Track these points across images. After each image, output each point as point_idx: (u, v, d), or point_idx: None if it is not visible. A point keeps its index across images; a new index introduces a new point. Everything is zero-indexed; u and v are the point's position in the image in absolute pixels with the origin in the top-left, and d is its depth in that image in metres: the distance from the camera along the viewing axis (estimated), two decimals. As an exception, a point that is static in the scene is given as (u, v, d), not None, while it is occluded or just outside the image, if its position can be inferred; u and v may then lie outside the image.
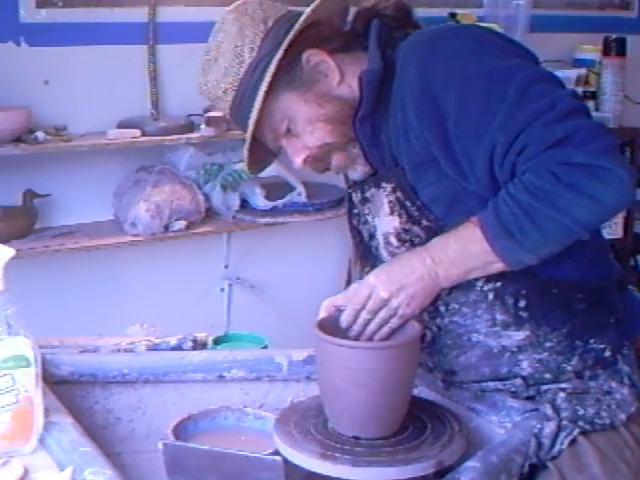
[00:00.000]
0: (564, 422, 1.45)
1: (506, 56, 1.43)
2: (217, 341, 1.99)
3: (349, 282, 3.12)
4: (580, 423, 1.46)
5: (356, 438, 1.43)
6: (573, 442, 1.45)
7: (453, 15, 3.54)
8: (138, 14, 3.05)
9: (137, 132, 2.97)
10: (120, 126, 3.01)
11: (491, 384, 1.54)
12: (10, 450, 1.38)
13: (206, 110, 3.04)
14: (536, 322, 1.49)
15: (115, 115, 3.03)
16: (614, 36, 3.79)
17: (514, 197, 1.36)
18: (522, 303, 1.48)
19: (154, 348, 1.80)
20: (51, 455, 1.38)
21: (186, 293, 3.25)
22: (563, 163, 1.33)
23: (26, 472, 1.31)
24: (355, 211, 1.64)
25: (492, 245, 1.39)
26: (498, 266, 1.42)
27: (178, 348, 1.80)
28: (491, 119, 1.37)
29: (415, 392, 1.54)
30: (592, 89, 3.79)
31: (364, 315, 1.47)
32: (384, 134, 1.53)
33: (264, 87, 1.49)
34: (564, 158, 1.33)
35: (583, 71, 3.81)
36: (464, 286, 1.48)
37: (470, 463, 1.34)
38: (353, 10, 1.61)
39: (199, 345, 1.83)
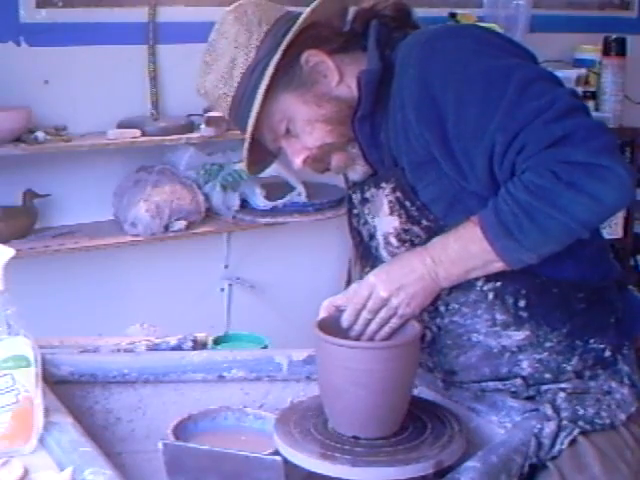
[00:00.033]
0: (564, 422, 1.45)
1: (505, 56, 1.43)
2: (217, 341, 1.99)
3: (349, 282, 3.12)
4: (580, 423, 1.46)
5: (356, 438, 1.43)
6: (573, 442, 1.45)
7: (453, 15, 3.54)
8: (138, 14, 3.05)
9: (137, 132, 2.97)
10: (120, 126, 3.01)
11: (491, 384, 1.54)
12: (10, 450, 1.38)
13: (206, 110, 3.04)
14: (536, 322, 1.49)
15: (115, 115, 3.03)
16: (614, 36, 3.78)
17: (514, 196, 1.36)
18: (522, 303, 1.48)
19: (154, 348, 1.80)
20: (51, 455, 1.38)
21: (186, 293, 3.25)
22: (563, 162, 1.33)
23: (26, 472, 1.31)
24: (355, 211, 1.64)
25: (492, 244, 1.39)
26: (498, 265, 1.42)
27: (178, 348, 1.80)
28: (490, 119, 1.37)
29: (415, 392, 1.54)
30: (592, 89, 3.79)
31: (365, 315, 1.47)
32: (383, 134, 1.53)
33: (263, 88, 1.49)
34: (564, 157, 1.33)
35: (583, 71, 3.81)
36: (464, 286, 1.48)
37: (470, 463, 1.34)
38: (352, 11, 1.61)
39: (199, 345, 1.83)
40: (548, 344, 1.50)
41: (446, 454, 1.39)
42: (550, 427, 1.44)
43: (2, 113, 2.72)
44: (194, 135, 3.07)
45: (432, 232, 1.48)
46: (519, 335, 1.50)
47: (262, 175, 1.76)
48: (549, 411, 1.46)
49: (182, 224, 3.03)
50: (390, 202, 1.53)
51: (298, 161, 1.57)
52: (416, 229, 1.51)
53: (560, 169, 1.33)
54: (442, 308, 1.52)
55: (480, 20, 3.53)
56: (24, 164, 2.89)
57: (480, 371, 1.54)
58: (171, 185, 3.02)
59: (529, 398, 1.52)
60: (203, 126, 3.06)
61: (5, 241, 2.50)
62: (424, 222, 1.50)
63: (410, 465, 1.37)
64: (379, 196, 1.55)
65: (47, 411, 1.43)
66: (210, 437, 1.59)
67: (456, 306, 1.51)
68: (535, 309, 1.48)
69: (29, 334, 1.39)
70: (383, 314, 1.46)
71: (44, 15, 2.91)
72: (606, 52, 3.79)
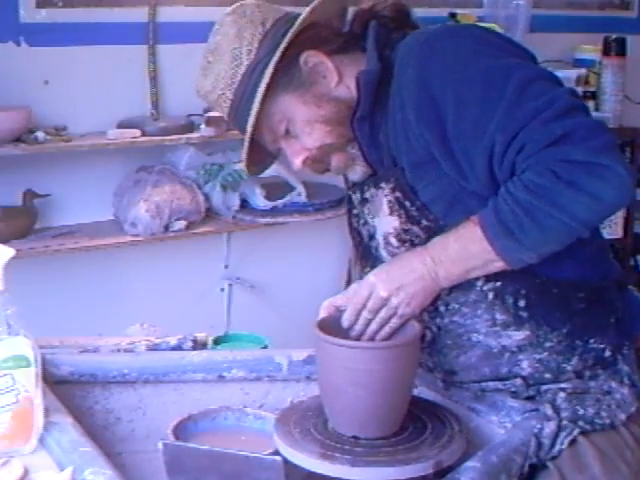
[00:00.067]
0: (564, 422, 1.45)
1: (504, 55, 1.43)
2: (217, 341, 1.99)
3: (349, 282, 3.12)
4: (580, 423, 1.46)
5: (356, 438, 1.43)
6: (573, 442, 1.45)
7: (453, 15, 3.54)
8: (138, 14, 3.05)
9: (137, 132, 2.97)
10: (120, 126, 3.01)
11: (491, 384, 1.54)
12: (10, 450, 1.38)
13: (206, 110, 3.04)
14: (536, 322, 1.49)
15: (115, 115, 3.03)
16: (614, 36, 3.78)
17: (514, 195, 1.36)
18: (522, 303, 1.48)
19: (154, 348, 1.80)
20: (51, 455, 1.38)
21: (186, 293, 3.25)
22: (563, 161, 1.33)
23: (26, 472, 1.31)
24: (355, 212, 1.64)
25: (492, 244, 1.39)
26: (498, 265, 1.42)
27: (178, 348, 1.80)
28: (490, 119, 1.37)
29: (415, 392, 1.54)
30: (592, 89, 3.79)
31: (365, 315, 1.47)
32: (383, 134, 1.53)
33: (262, 88, 1.49)
34: (563, 156, 1.33)
35: (583, 71, 3.81)
36: (464, 286, 1.48)
37: (470, 463, 1.34)
38: (351, 11, 1.61)
39: (199, 345, 1.83)
40: (548, 344, 1.50)
41: (446, 454, 1.39)
42: (550, 427, 1.44)
43: (2, 113, 2.72)
44: (194, 135, 3.07)
45: (432, 232, 1.48)
46: (519, 335, 1.50)
47: (262, 175, 1.76)
48: (549, 411, 1.46)
49: (182, 224, 3.03)
50: (390, 202, 1.53)
51: (298, 162, 1.57)
52: (416, 229, 1.51)
53: (560, 168, 1.33)
54: (442, 308, 1.52)
55: (480, 20, 3.53)
56: (24, 164, 2.89)
57: (480, 371, 1.54)
58: (171, 185, 3.02)
59: (529, 398, 1.52)
60: (203, 126, 3.06)
61: (5, 241, 2.50)
62: (424, 222, 1.50)
63: (410, 465, 1.37)
64: (379, 196, 1.55)
65: (47, 411, 1.43)
66: (210, 437, 1.59)
67: (456, 306, 1.51)
68: (535, 309, 1.48)
69: (29, 334, 1.40)
70: (383, 314, 1.46)
71: (44, 15, 2.90)
72: (606, 52, 3.79)
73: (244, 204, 3.16)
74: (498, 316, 1.49)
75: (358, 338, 1.48)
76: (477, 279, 1.47)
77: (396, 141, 1.51)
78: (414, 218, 1.51)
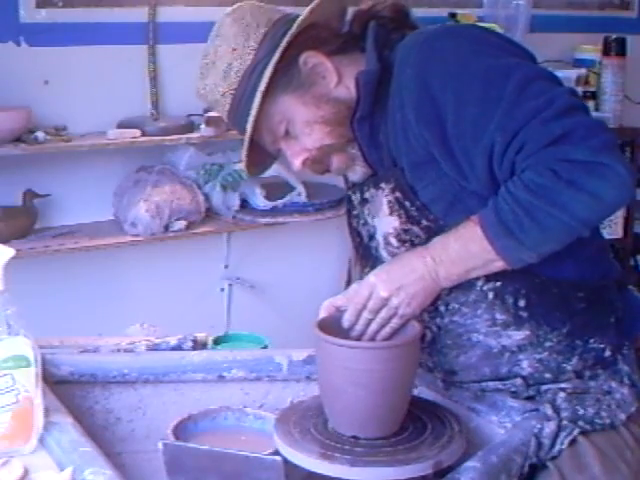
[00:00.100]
0: (564, 422, 1.45)
1: (504, 55, 1.43)
2: (217, 341, 1.99)
3: (349, 282, 3.12)
4: (580, 423, 1.46)
5: (356, 438, 1.43)
6: (573, 442, 1.45)
7: (453, 15, 3.54)
8: (138, 14, 3.05)
9: (137, 132, 2.97)
10: (120, 126, 3.01)
11: (491, 384, 1.54)
12: (10, 450, 1.38)
13: (206, 110, 3.04)
14: (536, 322, 1.49)
15: (115, 115, 3.03)
16: (614, 36, 3.78)
17: (514, 195, 1.36)
18: (522, 303, 1.48)
19: (154, 348, 1.80)
20: (51, 455, 1.38)
21: (186, 293, 3.25)
22: (562, 160, 1.33)
23: (26, 472, 1.31)
24: (354, 212, 1.64)
25: (492, 243, 1.39)
26: (498, 265, 1.42)
27: (178, 348, 1.80)
28: (489, 118, 1.37)
29: (415, 392, 1.54)
30: (592, 89, 3.80)
31: (366, 315, 1.47)
32: (382, 135, 1.53)
33: (262, 89, 1.49)
34: (563, 155, 1.33)
35: (583, 71, 3.81)
36: (464, 286, 1.48)
37: (470, 463, 1.34)
38: (350, 12, 1.61)
39: (199, 345, 1.83)
40: (548, 344, 1.50)
41: (446, 454, 1.39)
42: (550, 427, 1.44)
43: (2, 113, 2.72)
44: (194, 135, 3.07)
45: (432, 232, 1.48)
46: (519, 335, 1.50)
47: (262, 175, 1.76)
48: (549, 411, 1.46)
49: (182, 224, 3.03)
50: (390, 202, 1.53)
51: (297, 163, 1.57)
52: (416, 229, 1.51)
53: (560, 167, 1.33)
54: (442, 308, 1.52)
55: (480, 20, 3.53)
56: (24, 164, 2.89)
57: (480, 371, 1.54)
58: (171, 185, 3.02)
59: (529, 398, 1.52)
60: (203, 126, 3.06)
61: (5, 241, 2.50)
62: (424, 222, 1.50)
63: (410, 465, 1.37)
64: (379, 196, 1.55)
65: (47, 411, 1.43)
66: (210, 437, 1.59)
67: (456, 306, 1.51)
68: (535, 309, 1.48)
69: (29, 334, 1.40)
70: (384, 314, 1.46)
71: (44, 15, 2.91)
72: (606, 52, 3.79)
73: (244, 204, 3.16)
74: (498, 316, 1.49)
75: (359, 338, 1.48)
76: (477, 279, 1.47)
77: (396, 141, 1.51)
78: (414, 218, 1.51)
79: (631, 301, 1.61)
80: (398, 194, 1.52)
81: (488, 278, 1.47)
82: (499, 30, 2.96)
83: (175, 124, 3.06)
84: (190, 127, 3.09)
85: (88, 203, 3.08)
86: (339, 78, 1.53)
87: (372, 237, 1.60)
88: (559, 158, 1.33)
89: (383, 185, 1.54)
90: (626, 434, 1.50)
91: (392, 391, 1.42)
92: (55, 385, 1.61)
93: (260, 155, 1.61)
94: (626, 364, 1.55)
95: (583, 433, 1.46)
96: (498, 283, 1.48)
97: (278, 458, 1.36)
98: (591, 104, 3.70)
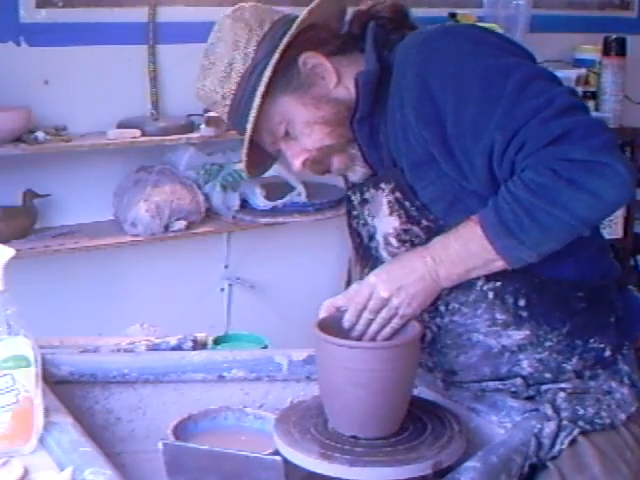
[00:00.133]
0: (564, 422, 1.45)
1: (503, 55, 1.43)
2: (217, 341, 1.99)
3: (349, 282, 3.12)
4: (580, 423, 1.46)
5: (355, 438, 1.43)
6: (573, 442, 1.45)
7: (453, 15, 3.54)
8: (138, 14, 3.05)
9: (137, 132, 2.97)
10: (120, 126, 3.01)
11: (491, 384, 1.54)
12: (10, 450, 1.38)
13: (206, 110, 3.03)
14: (536, 321, 1.49)
15: (115, 115, 3.03)
16: (614, 36, 3.78)
17: (514, 194, 1.36)
18: (522, 302, 1.48)
19: (154, 348, 1.80)
20: (51, 455, 1.38)
21: (186, 293, 3.25)
22: (562, 159, 1.33)
23: (26, 472, 1.31)
24: (354, 213, 1.64)
25: (492, 243, 1.39)
26: (499, 264, 1.42)
27: (178, 348, 1.80)
28: (489, 118, 1.37)
29: (415, 392, 1.54)
30: (592, 89, 3.79)
31: (366, 315, 1.47)
32: (382, 135, 1.53)
33: (261, 90, 1.49)
34: (563, 154, 1.33)
35: (583, 71, 3.81)
36: (464, 286, 1.48)
37: (470, 463, 1.34)
38: (350, 12, 1.61)
39: (199, 345, 1.83)
40: (548, 344, 1.50)
41: (445, 454, 1.39)
42: (550, 427, 1.44)
43: (2, 113, 2.72)
44: (194, 135, 3.07)
45: (432, 232, 1.48)
46: (519, 335, 1.50)
47: (262, 175, 1.76)
48: (549, 411, 1.46)
49: (182, 224, 3.03)
50: (389, 202, 1.53)
51: (297, 163, 1.57)
52: (416, 229, 1.51)
53: (560, 167, 1.33)
54: (442, 308, 1.52)
55: (480, 20, 3.53)
56: (24, 164, 2.89)
57: (480, 371, 1.54)
58: (171, 185, 3.02)
59: (529, 398, 1.52)
60: (203, 126, 3.06)
61: (5, 241, 2.50)
62: (424, 222, 1.50)
63: (409, 465, 1.37)
64: (378, 197, 1.55)
65: (47, 411, 1.43)
66: (210, 437, 1.59)
67: (456, 306, 1.51)
68: (535, 309, 1.49)
69: (29, 334, 1.40)
70: (384, 314, 1.46)
71: (44, 15, 2.90)
72: (606, 52, 3.79)
73: (244, 204, 3.16)
74: (498, 316, 1.49)
75: (359, 338, 1.48)
76: (477, 279, 1.47)
77: (396, 141, 1.51)
78: (414, 218, 1.51)
79: (631, 301, 1.61)
80: (398, 194, 1.52)
81: (488, 278, 1.47)
82: (499, 30, 2.96)
83: (175, 124, 3.06)
84: (190, 127, 3.08)
85: (88, 203, 3.08)
86: (338, 78, 1.53)
87: (372, 237, 1.60)
88: (559, 157, 1.33)
89: (383, 185, 1.54)
90: (626, 434, 1.50)
91: (392, 391, 1.42)
92: (55, 385, 1.61)
93: (260, 156, 1.61)
94: (626, 364, 1.55)
95: (583, 433, 1.46)
96: (498, 283, 1.48)
97: (278, 458, 1.36)
98: (591, 104, 3.70)
